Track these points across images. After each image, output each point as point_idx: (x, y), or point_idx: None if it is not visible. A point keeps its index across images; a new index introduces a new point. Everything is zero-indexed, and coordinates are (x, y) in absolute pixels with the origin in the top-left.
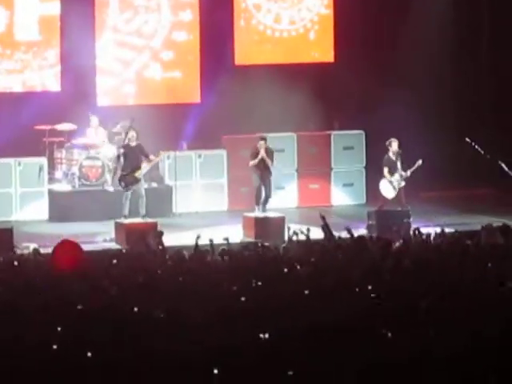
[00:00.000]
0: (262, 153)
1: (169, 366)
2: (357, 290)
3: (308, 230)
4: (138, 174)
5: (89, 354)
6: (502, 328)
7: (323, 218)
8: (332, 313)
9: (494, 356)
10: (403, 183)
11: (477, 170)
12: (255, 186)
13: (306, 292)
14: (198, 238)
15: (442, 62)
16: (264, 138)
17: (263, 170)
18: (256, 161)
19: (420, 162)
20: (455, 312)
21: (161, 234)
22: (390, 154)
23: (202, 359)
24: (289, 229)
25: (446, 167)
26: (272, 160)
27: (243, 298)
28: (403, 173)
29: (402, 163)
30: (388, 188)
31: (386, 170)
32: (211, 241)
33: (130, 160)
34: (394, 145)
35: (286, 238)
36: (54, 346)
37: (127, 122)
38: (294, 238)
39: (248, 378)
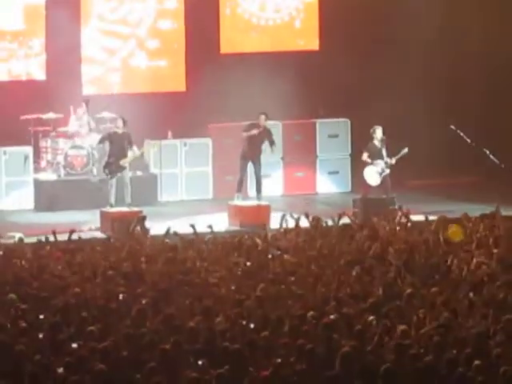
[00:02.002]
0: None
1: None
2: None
3: (298, 217)
4: (123, 162)
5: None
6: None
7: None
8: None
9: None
10: (388, 170)
11: (462, 158)
12: (240, 173)
13: (292, 279)
14: (193, 226)
15: (431, 49)
16: (265, 114)
17: (254, 150)
18: (252, 133)
19: (406, 150)
20: (439, 298)
21: (143, 218)
22: (375, 141)
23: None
24: (284, 216)
25: (432, 155)
26: (271, 139)
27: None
28: (388, 160)
29: (387, 150)
30: (372, 174)
31: (365, 155)
32: (193, 226)
33: (116, 147)
34: (378, 132)
35: (278, 223)
36: (40, 335)
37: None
38: (290, 221)
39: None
